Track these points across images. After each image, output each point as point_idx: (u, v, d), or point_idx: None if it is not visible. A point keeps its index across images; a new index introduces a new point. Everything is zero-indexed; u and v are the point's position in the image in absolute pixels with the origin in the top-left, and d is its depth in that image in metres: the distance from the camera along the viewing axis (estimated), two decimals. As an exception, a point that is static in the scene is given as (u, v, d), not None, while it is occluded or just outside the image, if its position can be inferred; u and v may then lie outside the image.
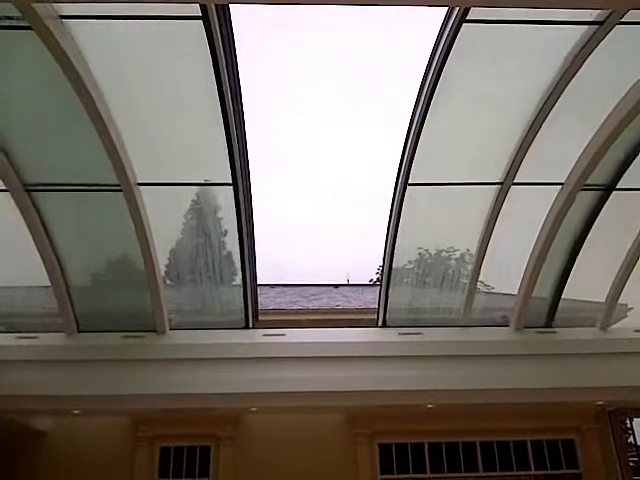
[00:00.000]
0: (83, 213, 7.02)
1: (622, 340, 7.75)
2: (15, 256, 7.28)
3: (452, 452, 9.62)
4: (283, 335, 7.78)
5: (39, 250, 6.87)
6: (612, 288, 7.63)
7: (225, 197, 7.07)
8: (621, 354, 7.57)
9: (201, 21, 4.91)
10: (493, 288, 8.22)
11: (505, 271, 7.86)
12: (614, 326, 8.03)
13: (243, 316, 7.84)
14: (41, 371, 7.25)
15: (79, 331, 7.59)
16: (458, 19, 4.96)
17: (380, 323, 7.99)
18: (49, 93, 5.74)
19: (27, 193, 6.49)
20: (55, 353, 7.45)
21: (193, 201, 7.08)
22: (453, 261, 7.76)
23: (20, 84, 5.78)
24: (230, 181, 6.50)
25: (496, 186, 6.74)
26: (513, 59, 5.78)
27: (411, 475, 9.50)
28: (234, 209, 6.78)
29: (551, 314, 7.90)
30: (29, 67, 5.52)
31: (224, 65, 5.39)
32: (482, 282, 8.14)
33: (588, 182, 6.63)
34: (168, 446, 9.44)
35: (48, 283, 7.14)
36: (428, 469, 9.49)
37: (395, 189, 6.80)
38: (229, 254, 7.81)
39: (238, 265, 7.99)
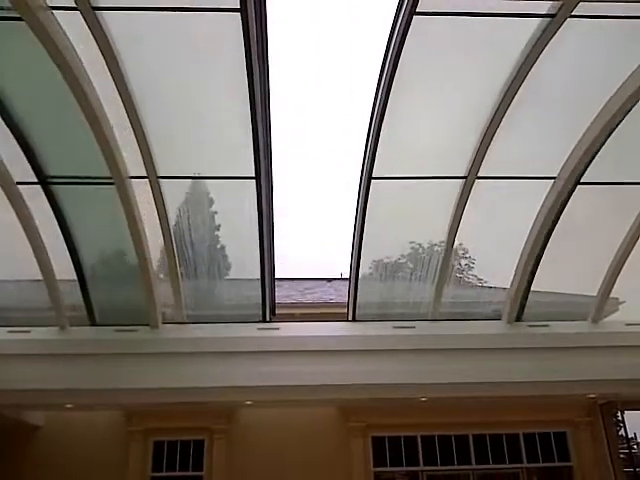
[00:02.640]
0: (77, 207, 6.96)
1: (614, 334, 7.78)
2: (6, 250, 7.24)
3: (445, 445, 9.70)
4: (277, 329, 7.79)
5: (31, 244, 6.84)
6: (604, 282, 7.66)
7: (218, 191, 7.07)
8: (613, 347, 7.61)
9: (239, 14, 4.78)
10: (486, 282, 8.26)
11: (497, 264, 7.89)
12: (606, 320, 8.07)
13: (260, 310, 7.85)
14: (34, 365, 7.21)
15: (71, 325, 7.58)
16: (408, 11, 4.90)
17: (350, 317, 7.97)
18: (48, 84, 5.66)
19: (18, 187, 6.47)
20: (48, 347, 7.43)
21: (187, 194, 7.04)
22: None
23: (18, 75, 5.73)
24: (253, 175, 6.39)
25: (460, 180, 6.70)
26: (470, 52, 5.74)
27: (404, 468, 9.59)
28: (255, 204, 6.67)
29: (521, 307, 7.89)
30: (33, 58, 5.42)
31: (257, 59, 5.29)
32: (475, 276, 8.18)
33: (552, 175, 6.69)
34: (162, 440, 9.47)
35: (40, 277, 7.12)
36: (421, 462, 9.57)
37: (360, 183, 6.75)
38: (222, 248, 7.80)
39: (231, 260, 8.00)
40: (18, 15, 4.59)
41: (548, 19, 5.07)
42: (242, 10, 4.76)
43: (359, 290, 7.78)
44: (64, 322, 7.51)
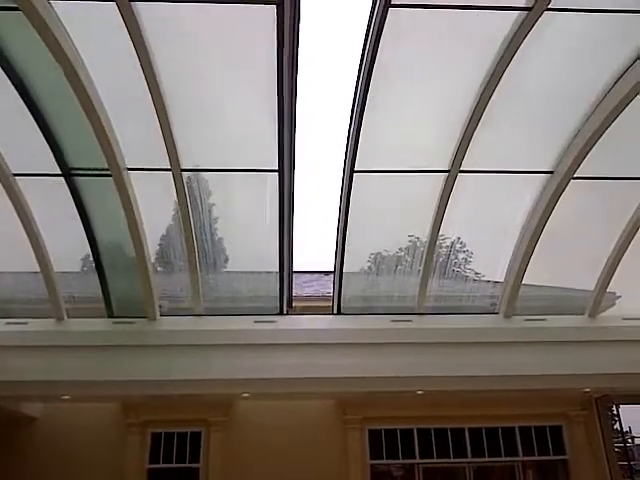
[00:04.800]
0: (97, 198, 6.93)
1: (610, 328, 7.81)
2: (3, 242, 7.22)
3: (441, 438, 9.72)
4: (274, 322, 7.79)
5: (28, 236, 6.83)
6: (601, 276, 7.68)
7: (215, 183, 7.04)
8: (609, 342, 7.64)
9: (274, 6, 4.73)
10: (484, 275, 8.26)
11: (494, 258, 7.89)
12: (603, 314, 8.09)
13: (278, 303, 7.88)
14: (31, 357, 7.22)
15: (68, 317, 7.58)
16: (383, 4, 4.87)
17: (335, 310, 7.97)
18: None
19: (15, 178, 6.46)
20: (45, 339, 7.42)
21: (193, 186, 7.00)
22: (444, 249, 7.77)
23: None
24: (276, 167, 6.36)
25: (444, 174, 6.67)
26: (450, 46, 5.72)
27: (400, 460, 9.62)
28: (277, 197, 6.67)
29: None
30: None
31: (288, 55, 5.26)
32: (472, 269, 8.18)
33: (545, 169, 6.72)
34: (159, 432, 9.48)
35: (37, 269, 7.10)
36: (417, 455, 9.60)
37: (343, 177, 6.73)
38: (220, 240, 7.78)
39: (229, 252, 7.98)
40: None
41: (525, 12, 5.03)
42: (278, 3, 4.72)
43: (352, 284, 7.81)
44: (61, 314, 7.51)
